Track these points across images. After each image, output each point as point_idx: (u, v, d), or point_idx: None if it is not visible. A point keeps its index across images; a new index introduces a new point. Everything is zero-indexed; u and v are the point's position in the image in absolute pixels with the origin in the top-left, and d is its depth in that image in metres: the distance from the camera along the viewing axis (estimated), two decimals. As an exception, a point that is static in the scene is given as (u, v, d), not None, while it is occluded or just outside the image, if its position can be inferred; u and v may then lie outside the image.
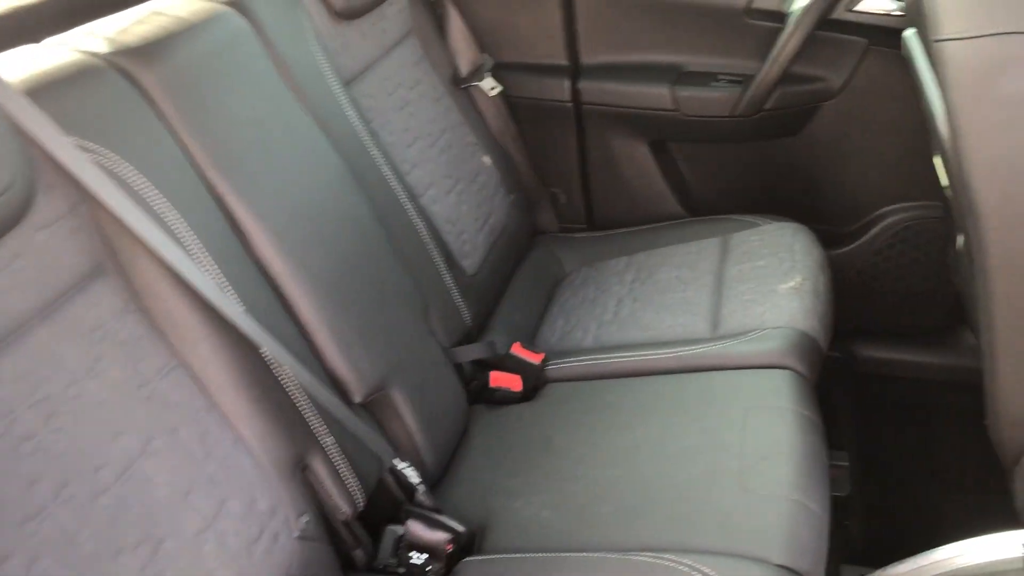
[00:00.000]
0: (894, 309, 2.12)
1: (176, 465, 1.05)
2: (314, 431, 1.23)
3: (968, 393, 1.64)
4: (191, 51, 1.30)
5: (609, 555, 1.21)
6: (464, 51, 1.98)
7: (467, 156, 1.91)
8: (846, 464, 1.75)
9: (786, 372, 1.51)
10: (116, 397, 1.01)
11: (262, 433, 1.15)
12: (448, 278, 1.65)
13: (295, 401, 1.21)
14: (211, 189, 1.24)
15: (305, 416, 1.22)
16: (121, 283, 1.07)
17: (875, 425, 1.99)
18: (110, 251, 1.07)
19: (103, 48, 1.20)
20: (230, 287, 1.17)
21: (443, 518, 1.28)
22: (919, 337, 2.13)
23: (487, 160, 1.95)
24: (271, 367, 1.19)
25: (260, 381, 1.17)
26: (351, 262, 1.40)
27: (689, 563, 1.15)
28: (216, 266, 1.16)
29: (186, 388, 1.10)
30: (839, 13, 1.87)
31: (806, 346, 1.57)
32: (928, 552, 1.45)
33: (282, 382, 1.21)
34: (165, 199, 1.13)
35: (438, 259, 1.64)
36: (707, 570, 1.14)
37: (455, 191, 1.82)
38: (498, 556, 1.27)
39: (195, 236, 1.15)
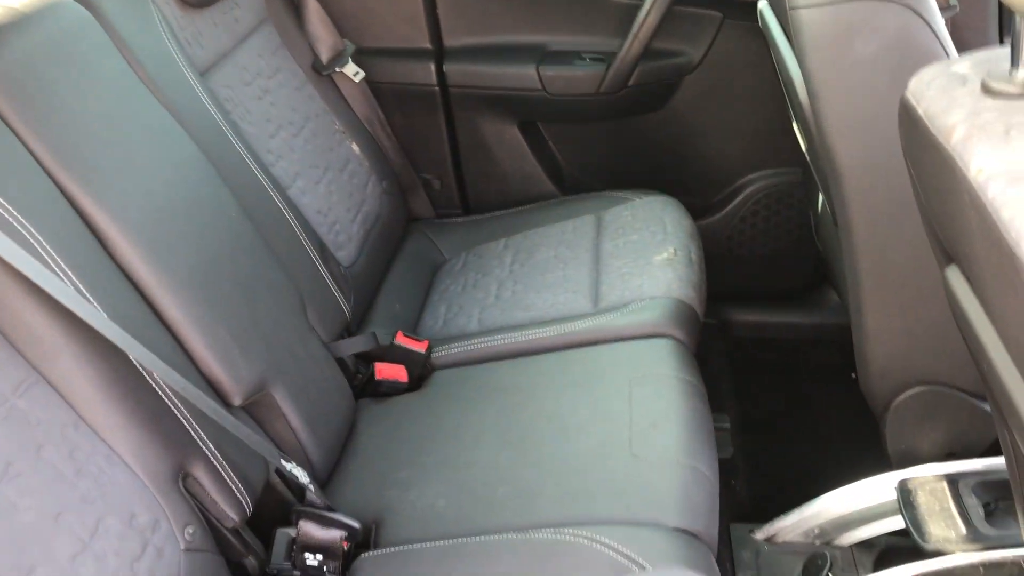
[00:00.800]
0: (762, 273, 2.20)
1: (42, 486, 0.98)
2: (193, 438, 1.17)
3: (837, 350, 1.72)
4: (26, 43, 1.20)
5: (509, 535, 1.21)
6: (323, 37, 1.92)
7: (334, 144, 1.86)
8: (727, 426, 1.81)
9: (667, 340, 1.54)
10: (-32, 419, 0.93)
11: (137, 445, 1.09)
12: (324, 271, 1.60)
13: (170, 408, 1.15)
14: (61, 190, 1.16)
15: (182, 423, 1.16)
16: (-35, 296, 0.98)
17: (752, 387, 2.06)
18: (-51, 262, 0.98)
19: (-75, 42, 1.11)
20: (89, 294, 1.09)
21: (336, 515, 1.24)
22: (787, 299, 2.22)
23: (355, 148, 1.90)
24: (141, 375, 1.12)
25: (130, 390, 1.11)
26: (219, 260, 1.34)
27: (588, 535, 1.16)
28: (72, 272, 1.09)
29: (49, 404, 1.03)
30: (695, -12, 1.92)
31: (684, 314, 1.60)
32: (809, 503, 1.51)
33: (155, 390, 1.14)
34: (8, 203, 1.05)
35: (312, 252, 1.59)
36: (606, 539, 1.15)
37: (324, 181, 1.77)
38: (396, 549, 1.24)
39: (46, 241, 1.07)
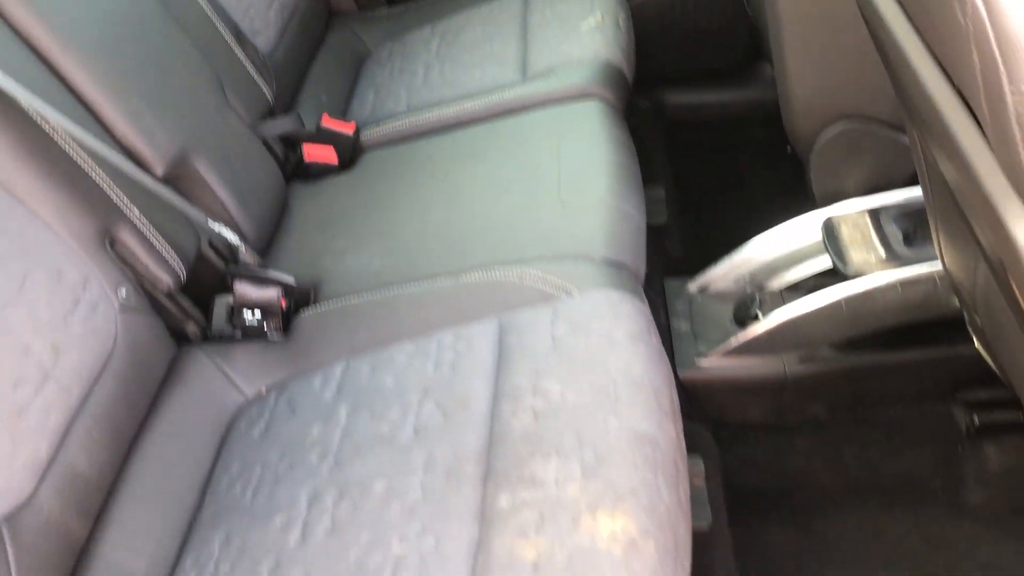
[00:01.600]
0: (697, 51, 2.17)
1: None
2: (117, 204, 1.16)
3: (772, 124, 1.73)
4: None
5: (441, 280, 1.23)
6: None
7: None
8: (662, 196, 1.83)
9: (595, 101, 1.54)
10: None
11: (56, 207, 1.08)
12: (240, 53, 1.55)
13: (88, 174, 1.13)
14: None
15: (103, 190, 1.15)
16: None
17: (687, 163, 2.07)
18: None
19: None
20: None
21: (271, 273, 1.25)
22: (723, 77, 2.21)
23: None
24: (53, 140, 1.10)
25: (46, 155, 1.08)
26: (127, 30, 1.30)
27: (518, 271, 1.19)
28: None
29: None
30: None
31: (611, 75, 1.59)
32: (738, 250, 1.55)
33: (72, 157, 1.12)
34: None
35: (225, 33, 1.54)
36: (535, 272, 1.18)
37: (235, -34, 1.69)
38: (334, 303, 1.27)
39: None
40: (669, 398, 1.00)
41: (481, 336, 1.12)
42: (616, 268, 1.19)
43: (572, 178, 1.36)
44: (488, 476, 0.94)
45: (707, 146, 2.19)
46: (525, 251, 1.25)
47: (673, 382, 1.04)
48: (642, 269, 1.25)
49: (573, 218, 1.28)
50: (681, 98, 2.20)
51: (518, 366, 1.05)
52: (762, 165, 2.09)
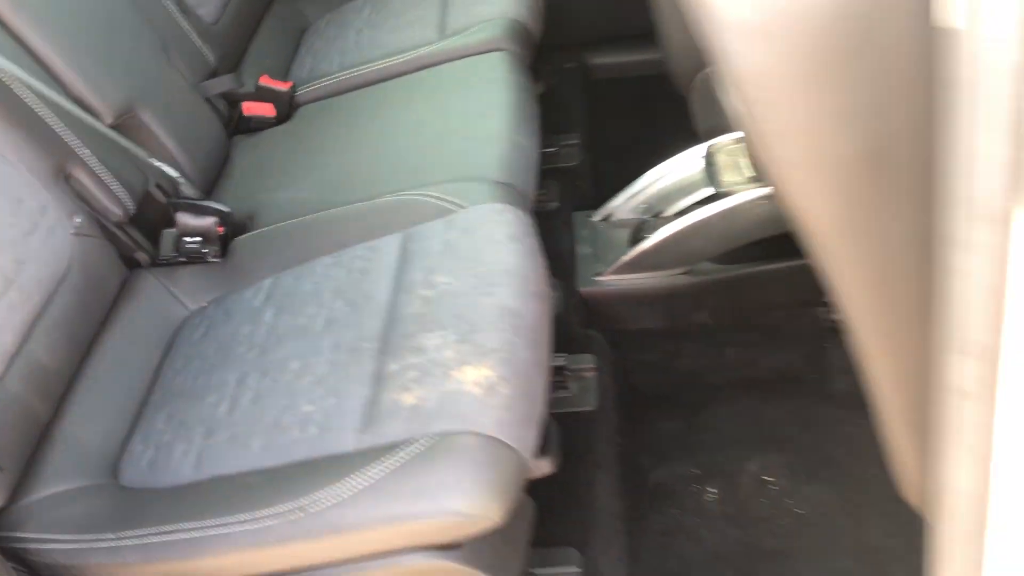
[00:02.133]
0: (615, 16, 2.35)
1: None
2: (70, 146, 1.34)
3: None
4: None
5: (358, 205, 1.42)
6: None
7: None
8: (576, 142, 2.03)
9: (502, 53, 1.73)
10: None
11: (16, 146, 1.25)
12: (184, 22, 1.74)
13: (42, 119, 1.31)
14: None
15: (57, 133, 1.33)
16: None
17: (608, 117, 2.25)
18: None
19: None
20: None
21: (208, 203, 1.44)
22: (640, 38, 2.39)
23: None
24: (14, 90, 1.28)
25: (4, 101, 1.26)
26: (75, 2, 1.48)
27: (421, 193, 1.38)
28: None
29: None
30: None
31: (517, 30, 1.78)
32: (634, 182, 1.74)
33: (27, 103, 1.30)
34: None
35: (168, 4, 1.72)
36: (435, 193, 1.36)
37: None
38: (265, 229, 1.45)
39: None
40: (536, 284, 1.19)
41: (388, 246, 1.30)
42: (505, 188, 1.38)
43: (475, 117, 1.54)
44: (382, 350, 1.13)
45: (626, 102, 2.38)
46: (430, 176, 1.43)
47: (542, 272, 1.22)
48: (530, 189, 1.44)
49: (472, 148, 1.47)
50: (602, 59, 2.39)
51: (415, 266, 1.24)
52: (675, 115, 2.28)
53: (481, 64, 1.70)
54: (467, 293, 1.16)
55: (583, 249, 1.73)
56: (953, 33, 0.51)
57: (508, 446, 0.99)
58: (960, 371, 0.61)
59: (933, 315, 0.63)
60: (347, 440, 1.04)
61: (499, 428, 1.00)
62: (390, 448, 1.00)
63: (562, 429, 1.17)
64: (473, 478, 0.95)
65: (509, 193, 1.37)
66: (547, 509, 1.26)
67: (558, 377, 1.46)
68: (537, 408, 1.06)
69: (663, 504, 1.49)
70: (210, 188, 1.62)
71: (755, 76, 0.69)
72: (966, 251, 0.56)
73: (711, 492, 1.49)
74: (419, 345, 1.11)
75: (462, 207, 1.33)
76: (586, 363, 1.48)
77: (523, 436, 1.02)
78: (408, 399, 1.05)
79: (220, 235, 1.43)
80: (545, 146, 1.94)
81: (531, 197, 1.43)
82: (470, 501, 0.95)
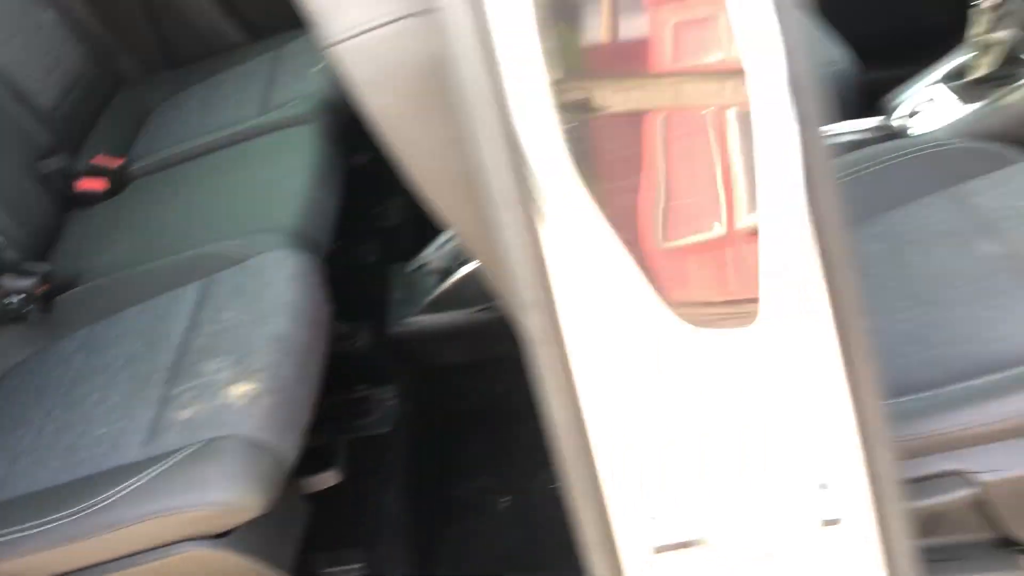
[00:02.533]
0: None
1: None
2: None
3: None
4: None
5: (169, 258, 1.59)
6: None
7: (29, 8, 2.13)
8: (400, 204, 2.23)
9: (312, 125, 1.93)
10: None
11: None
12: (15, 107, 1.90)
13: None
14: None
15: None
16: None
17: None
18: None
19: None
20: None
21: (30, 265, 1.59)
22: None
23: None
24: None
25: None
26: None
27: (224, 244, 1.55)
28: None
29: None
30: None
31: (328, 104, 1.98)
32: (444, 234, 1.94)
33: None
34: None
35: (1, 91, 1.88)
36: (236, 244, 1.54)
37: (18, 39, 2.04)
38: (85, 287, 1.61)
39: None
40: (312, 313, 1.37)
41: (188, 293, 1.47)
42: (297, 236, 1.56)
43: (278, 179, 1.74)
44: (170, 379, 1.29)
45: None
46: (233, 231, 1.61)
47: (320, 304, 1.40)
48: (324, 237, 1.62)
49: (273, 205, 1.66)
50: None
51: (208, 306, 1.41)
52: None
53: (292, 135, 1.90)
54: (247, 325, 1.33)
55: (396, 295, 1.91)
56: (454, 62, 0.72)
57: (267, 446, 1.15)
58: (531, 323, 0.81)
59: (506, 283, 0.82)
60: (132, 453, 1.19)
61: (259, 431, 1.16)
62: (166, 455, 1.16)
63: (358, 449, 1.34)
64: (233, 472, 1.11)
65: (300, 241, 1.55)
66: (337, 518, 1.42)
67: (363, 406, 1.63)
68: (301, 415, 1.23)
69: (462, 515, 1.66)
70: (42, 255, 1.76)
71: (388, 116, 0.89)
72: (506, 230, 0.77)
73: (503, 501, 1.66)
74: (200, 371, 1.27)
75: (258, 254, 1.51)
76: (388, 394, 1.65)
77: (283, 438, 1.18)
78: (185, 414, 1.21)
79: (45, 292, 1.58)
80: (371, 207, 2.17)
81: (325, 244, 1.62)
82: (230, 492, 1.10)
